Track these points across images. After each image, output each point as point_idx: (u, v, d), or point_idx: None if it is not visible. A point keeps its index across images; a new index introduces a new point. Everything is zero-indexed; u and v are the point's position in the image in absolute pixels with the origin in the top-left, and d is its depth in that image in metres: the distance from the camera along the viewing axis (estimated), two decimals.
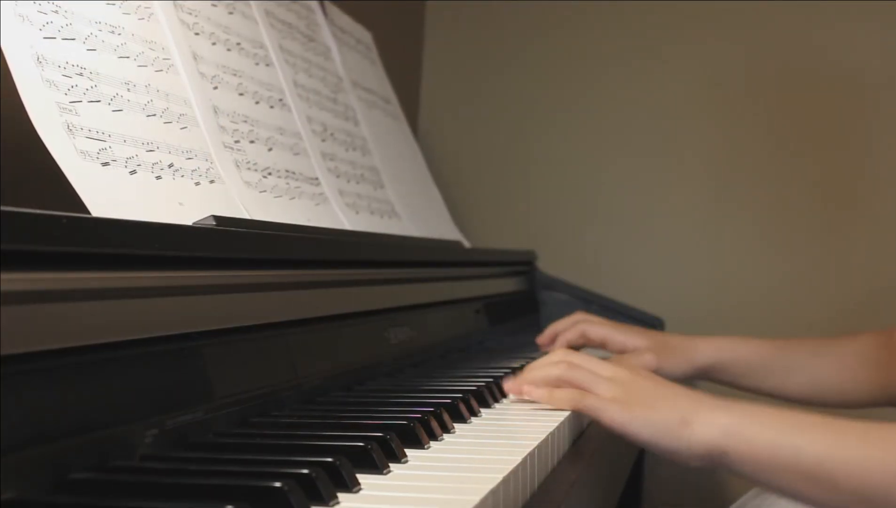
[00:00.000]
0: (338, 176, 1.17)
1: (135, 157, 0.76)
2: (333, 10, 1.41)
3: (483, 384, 0.90)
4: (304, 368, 0.81)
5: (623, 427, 0.79)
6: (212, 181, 0.86)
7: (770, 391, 1.23)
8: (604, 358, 1.22)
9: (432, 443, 0.70)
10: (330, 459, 0.55)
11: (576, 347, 1.31)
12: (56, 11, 0.75)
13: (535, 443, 0.69)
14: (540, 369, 0.89)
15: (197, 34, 0.95)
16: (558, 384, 0.86)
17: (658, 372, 1.22)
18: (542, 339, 1.32)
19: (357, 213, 1.18)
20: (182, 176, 0.81)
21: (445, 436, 0.73)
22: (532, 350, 1.27)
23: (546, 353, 1.23)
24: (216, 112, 0.92)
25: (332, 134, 1.21)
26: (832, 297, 1.86)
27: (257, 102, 1.03)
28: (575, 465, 0.78)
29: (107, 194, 0.70)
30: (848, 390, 1.17)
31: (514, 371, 1.03)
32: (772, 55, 1.92)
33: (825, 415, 0.77)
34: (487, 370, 1.04)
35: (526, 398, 0.88)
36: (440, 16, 2.12)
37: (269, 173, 0.98)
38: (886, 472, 0.70)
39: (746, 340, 1.24)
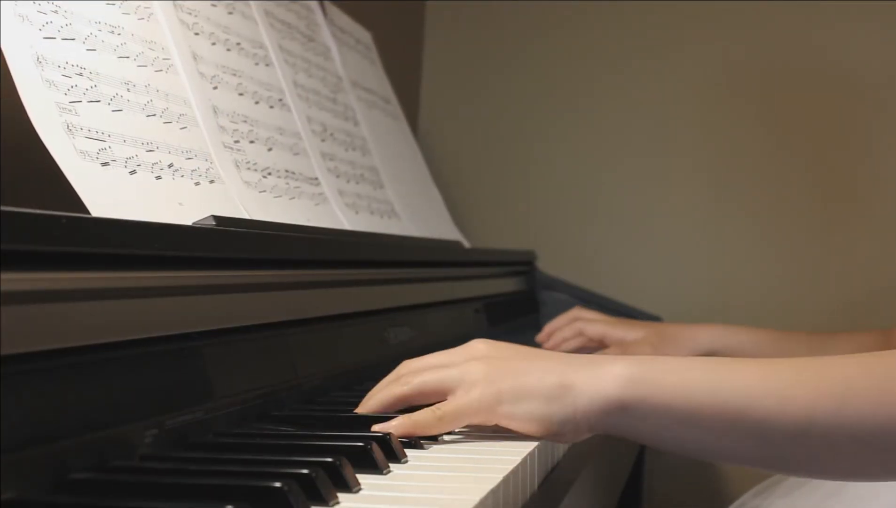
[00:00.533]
0: (337, 176, 1.17)
1: (134, 157, 0.76)
2: (333, 10, 1.41)
3: None
4: (304, 368, 0.81)
5: (493, 413, 0.65)
6: (211, 181, 0.86)
7: None
8: None
9: (432, 443, 0.70)
10: (330, 459, 0.55)
11: (573, 348, 1.31)
12: (56, 11, 0.75)
13: (536, 443, 0.69)
14: (380, 391, 0.72)
15: (196, 34, 0.95)
16: (407, 400, 0.70)
17: None
18: (540, 337, 1.31)
19: (357, 213, 1.18)
20: (182, 176, 0.81)
21: (445, 436, 0.73)
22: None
23: None
24: (216, 112, 0.92)
25: (331, 134, 1.21)
26: (832, 297, 1.86)
27: (257, 102, 1.03)
28: (575, 465, 0.78)
29: (107, 194, 0.70)
30: None
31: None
32: (771, 55, 1.92)
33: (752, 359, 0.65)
34: None
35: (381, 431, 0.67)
36: (440, 16, 2.12)
37: (269, 173, 0.98)
38: (833, 399, 0.59)
39: (747, 328, 1.24)
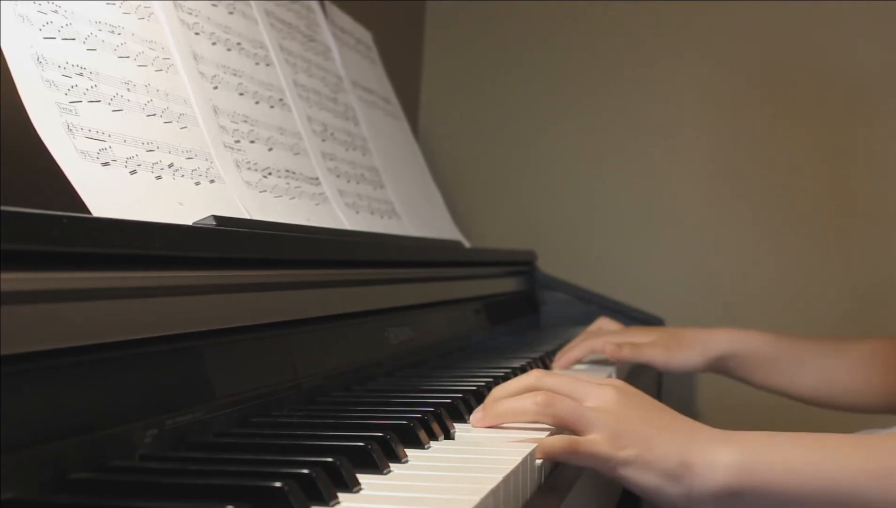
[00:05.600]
0: (338, 176, 1.17)
1: (135, 157, 0.76)
2: (333, 10, 1.40)
3: (483, 384, 0.90)
4: (304, 368, 0.81)
5: (616, 472, 0.69)
6: (212, 181, 0.86)
7: (781, 387, 1.21)
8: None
9: (432, 443, 0.70)
10: (330, 459, 0.55)
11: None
12: (56, 11, 0.75)
13: (536, 443, 0.69)
14: (513, 400, 0.76)
15: (197, 34, 0.95)
16: (536, 419, 0.74)
17: (670, 365, 1.21)
18: (559, 363, 1.20)
19: (357, 213, 1.18)
20: (182, 176, 0.81)
21: (445, 436, 0.73)
22: (532, 350, 1.27)
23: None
24: (216, 112, 0.92)
25: (332, 134, 1.21)
26: (834, 297, 1.86)
27: (257, 102, 1.03)
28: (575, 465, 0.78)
29: (107, 193, 0.70)
30: (859, 392, 1.16)
31: (515, 371, 1.03)
32: (775, 54, 1.92)
33: (842, 434, 0.71)
34: (487, 370, 1.04)
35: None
36: (440, 16, 2.12)
37: (270, 173, 0.98)
38: None
39: (759, 332, 1.23)
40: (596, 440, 0.69)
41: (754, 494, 0.67)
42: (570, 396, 0.73)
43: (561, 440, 0.70)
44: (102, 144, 0.73)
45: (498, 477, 0.58)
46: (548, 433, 0.73)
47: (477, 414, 0.77)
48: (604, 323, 1.34)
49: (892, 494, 0.65)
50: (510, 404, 0.75)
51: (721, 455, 0.68)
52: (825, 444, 0.69)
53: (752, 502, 0.68)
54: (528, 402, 0.73)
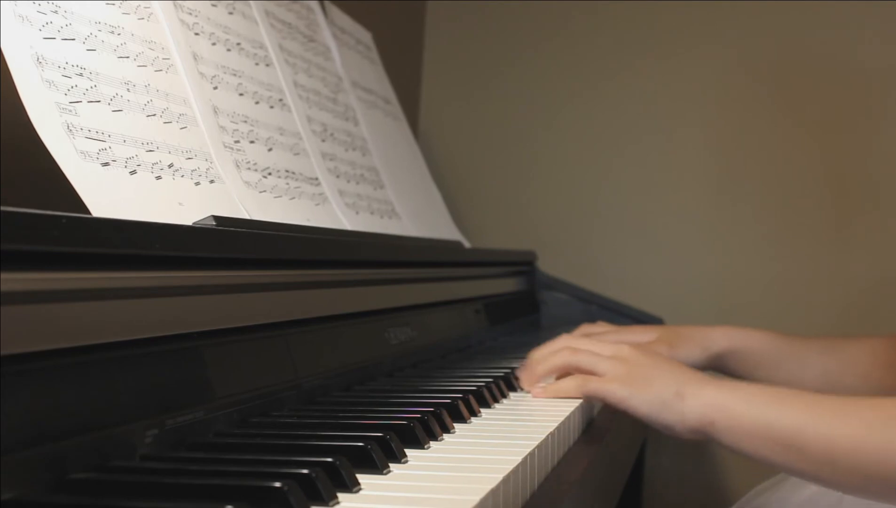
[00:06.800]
0: (338, 176, 1.17)
1: (135, 157, 0.76)
2: (333, 11, 1.41)
3: (483, 384, 0.90)
4: (304, 368, 0.81)
5: (623, 403, 0.87)
6: (212, 181, 0.86)
7: (781, 385, 1.22)
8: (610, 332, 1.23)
9: (432, 443, 0.70)
10: (330, 459, 0.55)
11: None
12: (56, 12, 0.75)
13: (535, 443, 0.69)
14: (544, 360, 0.95)
15: (197, 34, 0.95)
16: (564, 371, 0.93)
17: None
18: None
19: (357, 213, 1.18)
20: (182, 176, 0.81)
21: (445, 436, 0.73)
22: (532, 350, 1.27)
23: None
24: (216, 112, 0.92)
25: (331, 134, 1.21)
26: (835, 298, 1.86)
27: (257, 102, 1.03)
28: (575, 465, 0.78)
29: (107, 194, 0.70)
30: (859, 389, 1.16)
31: (514, 371, 1.03)
32: (774, 53, 1.92)
33: (803, 390, 0.84)
34: (487, 370, 1.04)
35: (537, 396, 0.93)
36: (440, 16, 2.12)
37: (269, 173, 0.98)
38: (852, 441, 0.76)
39: (759, 330, 1.23)
40: (606, 380, 0.88)
41: (722, 424, 0.82)
42: (590, 351, 0.92)
43: (574, 379, 0.90)
44: (102, 145, 0.73)
45: (498, 477, 0.58)
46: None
47: (522, 373, 0.96)
48: (591, 328, 1.29)
49: (813, 445, 0.77)
50: (545, 362, 0.95)
51: (705, 391, 0.84)
52: (785, 396, 0.83)
53: (721, 431, 0.83)
54: (557, 358, 0.94)
